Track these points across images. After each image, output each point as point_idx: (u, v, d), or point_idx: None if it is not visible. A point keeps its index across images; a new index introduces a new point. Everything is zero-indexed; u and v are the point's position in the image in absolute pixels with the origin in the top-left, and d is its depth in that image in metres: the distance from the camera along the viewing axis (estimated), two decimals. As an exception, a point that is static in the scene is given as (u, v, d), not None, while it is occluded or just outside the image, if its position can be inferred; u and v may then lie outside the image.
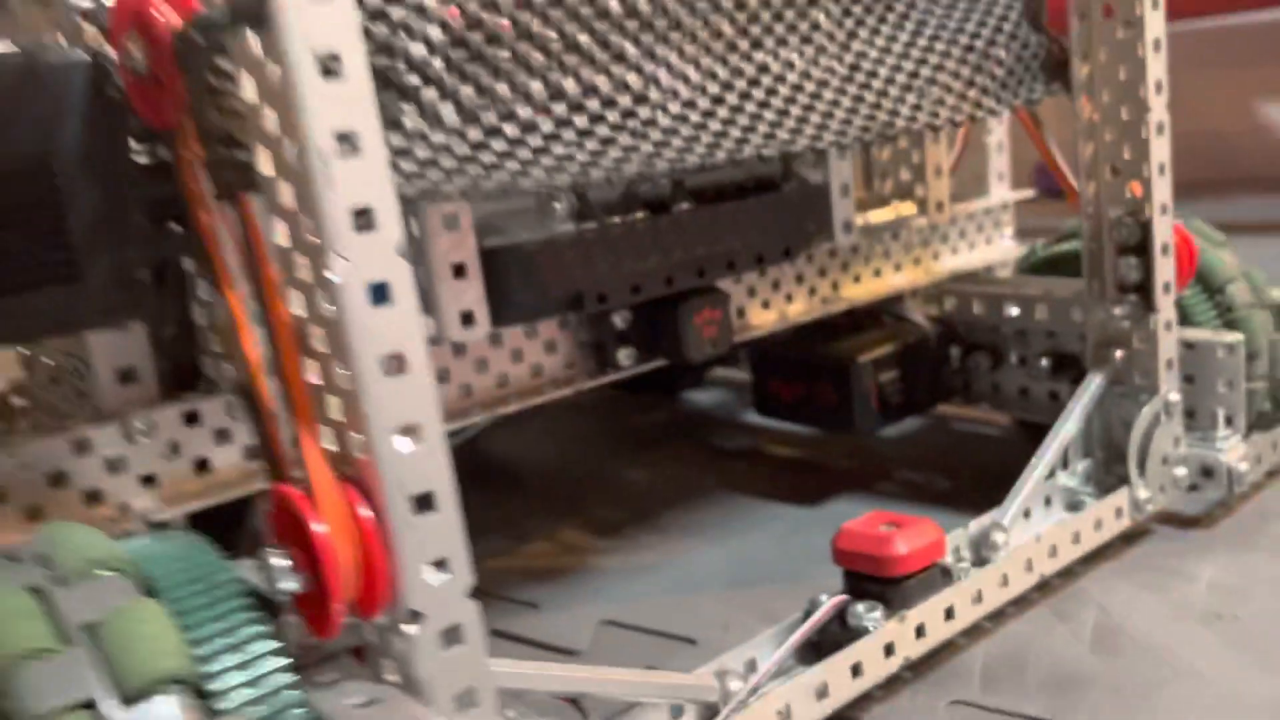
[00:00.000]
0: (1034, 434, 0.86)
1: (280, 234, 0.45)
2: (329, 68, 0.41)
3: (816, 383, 0.95)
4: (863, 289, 0.97)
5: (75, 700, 0.37)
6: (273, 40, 0.41)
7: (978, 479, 0.98)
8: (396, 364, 0.44)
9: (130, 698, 0.38)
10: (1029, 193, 1.10)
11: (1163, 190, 0.80)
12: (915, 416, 1.01)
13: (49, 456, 0.58)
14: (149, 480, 0.61)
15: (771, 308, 0.90)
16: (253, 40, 0.42)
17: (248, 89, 0.43)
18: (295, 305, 0.45)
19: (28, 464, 0.57)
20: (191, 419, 0.62)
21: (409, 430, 0.45)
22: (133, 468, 0.60)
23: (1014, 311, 0.95)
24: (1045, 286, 0.94)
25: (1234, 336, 0.84)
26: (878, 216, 0.97)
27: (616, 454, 1.14)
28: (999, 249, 1.08)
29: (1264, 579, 0.77)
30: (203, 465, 0.63)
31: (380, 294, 0.43)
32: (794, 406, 0.99)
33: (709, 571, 0.89)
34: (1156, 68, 0.78)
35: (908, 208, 1.00)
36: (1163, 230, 0.80)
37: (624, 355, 0.79)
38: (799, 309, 0.92)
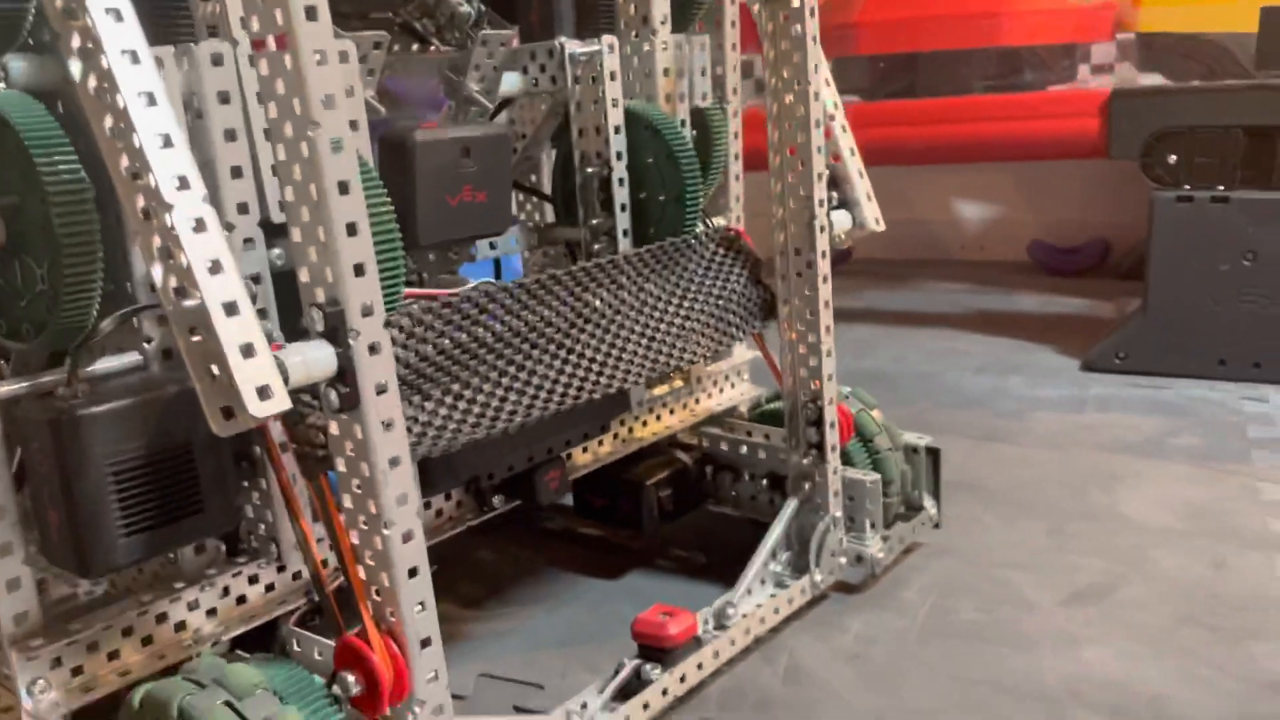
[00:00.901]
0: (759, 525, 1.34)
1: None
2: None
3: (618, 497, 1.40)
4: (648, 430, 1.41)
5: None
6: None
7: (723, 554, 1.46)
8: (411, 572, 0.84)
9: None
10: (756, 351, 1.58)
11: (831, 389, 1.28)
12: (683, 516, 1.47)
13: (154, 604, 0.93)
14: (211, 612, 0.97)
15: (589, 452, 1.33)
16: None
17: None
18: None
19: (144, 607, 0.92)
20: (236, 572, 0.98)
21: (421, 604, 0.84)
22: (203, 605, 0.96)
23: (745, 450, 1.42)
24: (766, 433, 1.41)
25: (875, 476, 1.34)
26: (659, 390, 1.42)
27: (472, 541, 1.53)
28: (739, 391, 1.56)
29: (889, 629, 1.27)
30: (241, 599, 0.99)
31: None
32: (602, 511, 1.42)
33: (548, 633, 1.31)
34: (826, 316, 1.26)
35: (677, 382, 1.46)
36: (830, 413, 1.28)
37: (498, 500, 1.19)
38: (607, 450, 1.36)
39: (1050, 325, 2.63)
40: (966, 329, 2.64)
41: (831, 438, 1.28)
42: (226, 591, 0.97)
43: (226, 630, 0.96)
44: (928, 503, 1.44)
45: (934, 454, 1.43)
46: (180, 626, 0.94)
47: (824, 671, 1.19)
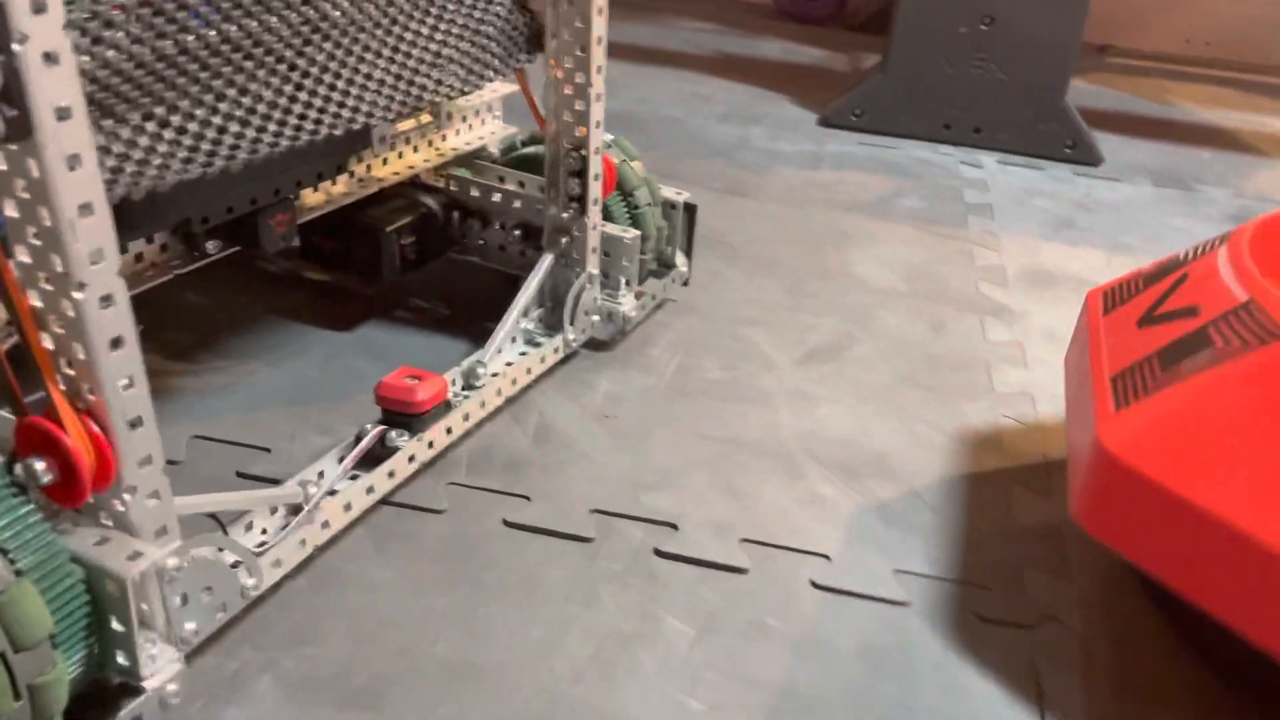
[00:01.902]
0: (506, 277, 1.26)
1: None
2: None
3: (353, 242, 1.26)
4: (388, 170, 1.26)
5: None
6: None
7: (467, 307, 1.37)
8: (114, 342, 0.69)
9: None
10: (513, 86, 1.44)
11: (597, 138, 1.18)
12: (425, 265, 1.35)
13: None
14: None
15: (320, 191, 1.17)
16: None
17: None
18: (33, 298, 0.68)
19: None
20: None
21: (128, 379, 0.71)
22: None
23: (497, 198, 1.31)
24: (520, 180, 1.31)
25: (634, 233, 1.28)
26: (404, 126, 1.26)
27: (177, 281, 1.35)
28: (490, 130, 1.42)
29: (637, 387, 1.26)
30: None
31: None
32: (333, 257, 1.28)
33: (272, 390, 1.19)
34: (599, 55, 1.14)
35: (425, 117, 1.30)
36: (595, 165, 1.20)
37: (212, 246, 1.03)
38: (341, 190, 1.20)
39: (791, 75, 2.62)
40: (711, 72, 2.58)
41: (594, 191, 1.20)
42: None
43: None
44: (680, 260, 1.41)
45: (690, 210, 1.39)
46: None
47: (573, 430, 1.16)
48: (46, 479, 0.70)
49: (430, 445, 1.05)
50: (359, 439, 1.00)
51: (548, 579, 0.95)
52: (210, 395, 1.17)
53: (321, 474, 0.97)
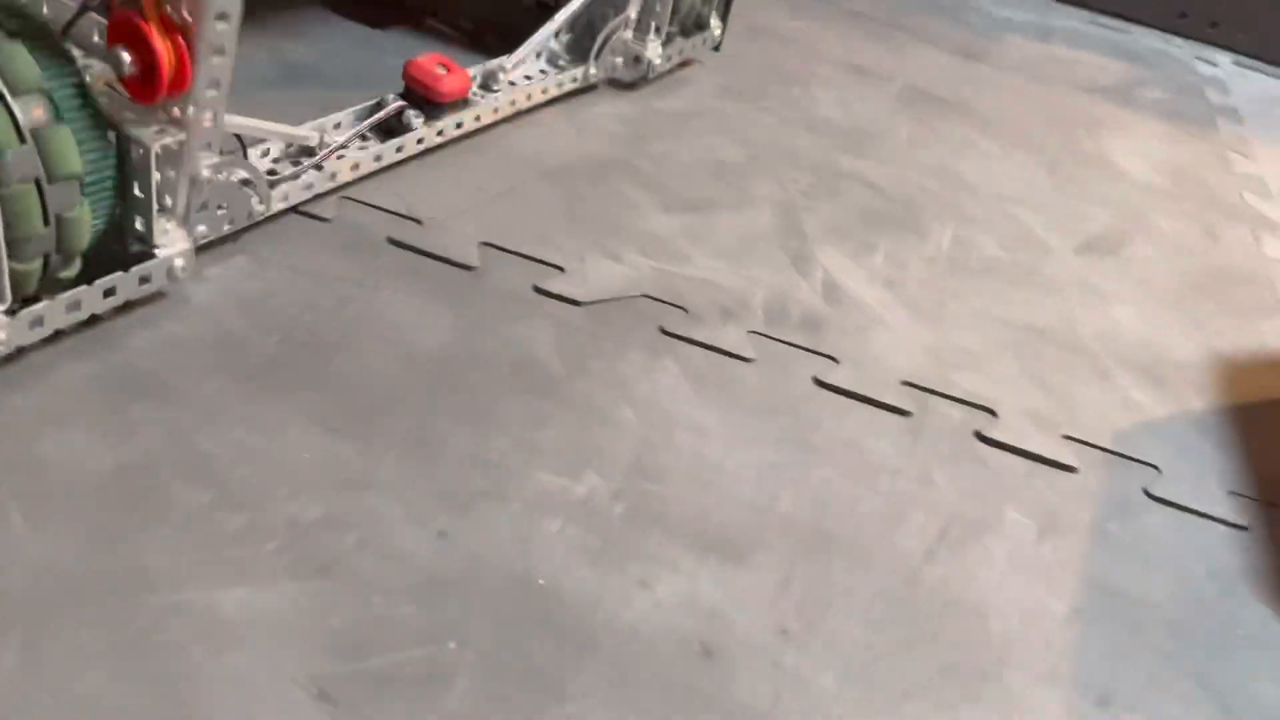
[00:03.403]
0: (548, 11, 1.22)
1: None
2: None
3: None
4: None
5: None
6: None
7: (503, 34, 1.35)
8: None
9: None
10: None
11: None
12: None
13: None
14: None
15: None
16: None
17: None
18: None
19: None
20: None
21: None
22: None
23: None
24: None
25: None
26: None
27: None
28: None
29: (656, 110, 1.25)
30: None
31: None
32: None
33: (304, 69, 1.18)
34: None
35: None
36: None
37: None
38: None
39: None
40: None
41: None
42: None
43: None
44: (714, 23, 1.39)
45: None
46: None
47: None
48: (129, 70, 0.73)
49: (440, 134, 1.07)
50: (379, 106, 1.02)
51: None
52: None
53: (339, 125, 1.01)
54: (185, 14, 0.73)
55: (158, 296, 0.84)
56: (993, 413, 0.96)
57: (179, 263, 0.83)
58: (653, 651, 0.68)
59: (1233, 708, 0.74)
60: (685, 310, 0.99)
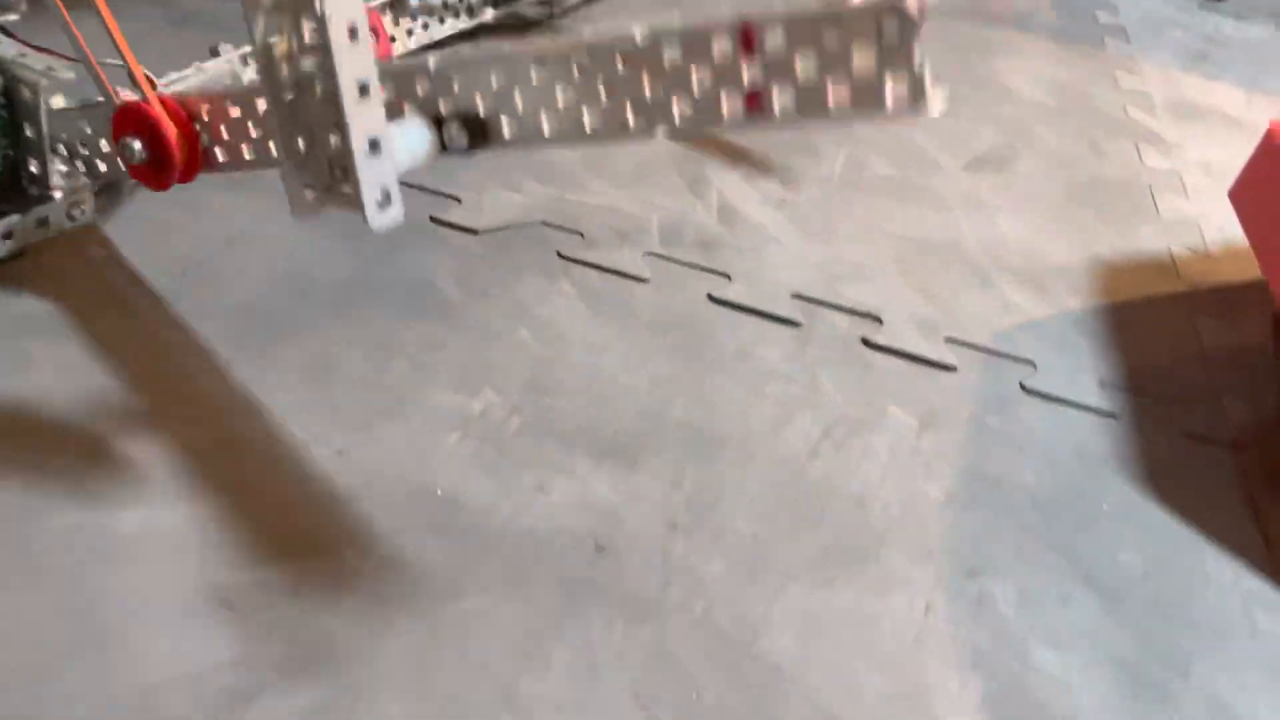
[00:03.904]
0: None
1: None
2: None
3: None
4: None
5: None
6: None
7: None
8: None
9: None
10: None
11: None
12: None
13: None
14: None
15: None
16: None
17: None
18: None
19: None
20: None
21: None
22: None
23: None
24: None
25: None
26: None
27: None
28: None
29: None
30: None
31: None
32: None
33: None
34: None
35: None
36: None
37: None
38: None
39: None
40: None
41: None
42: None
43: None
44: None
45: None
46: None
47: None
48: (140, 158, 0.73)
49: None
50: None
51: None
52: None
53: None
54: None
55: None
56: (878, 320, 1.01)
57: (82, 207, 0.82)
58: (548, 550, 0.72)
59: (1094, 574, 0.80)
60: (582, 235, 1.02)
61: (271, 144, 0.68)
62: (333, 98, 0.56)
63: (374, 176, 0.58)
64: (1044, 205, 1.26)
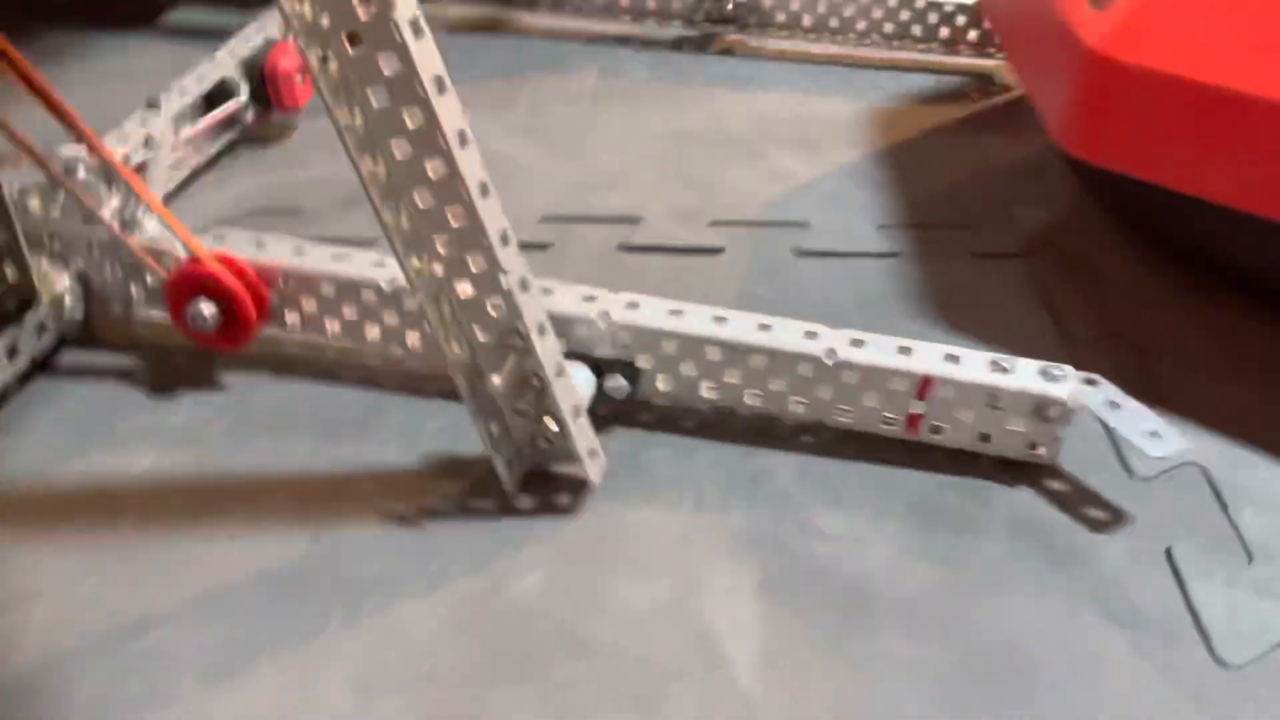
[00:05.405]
0: None
1: None
2: None
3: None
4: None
5: None
6: None
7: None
8: None
9: None
10: None
11: None
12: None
13: None
14: None
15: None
16: None
17: None
18: None
19: None
20: None
21: None
22: None
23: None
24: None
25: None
26: None
27: None
28: None
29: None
30: None
31: None
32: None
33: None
34: None
35: None
36: None
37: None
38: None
39: None
40: None
41: None
42: None
43: None
44: None
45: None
46: None
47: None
48: (212, 324, 0.70)
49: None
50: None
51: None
52: None
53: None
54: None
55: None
56: (635, 221, 0.93)
57: (70, 302, 0.76)
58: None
59: (885, 421, 0.73)
60: (299, 212, 0.93)
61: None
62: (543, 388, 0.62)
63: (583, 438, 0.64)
64: (809, 70, 1.19)
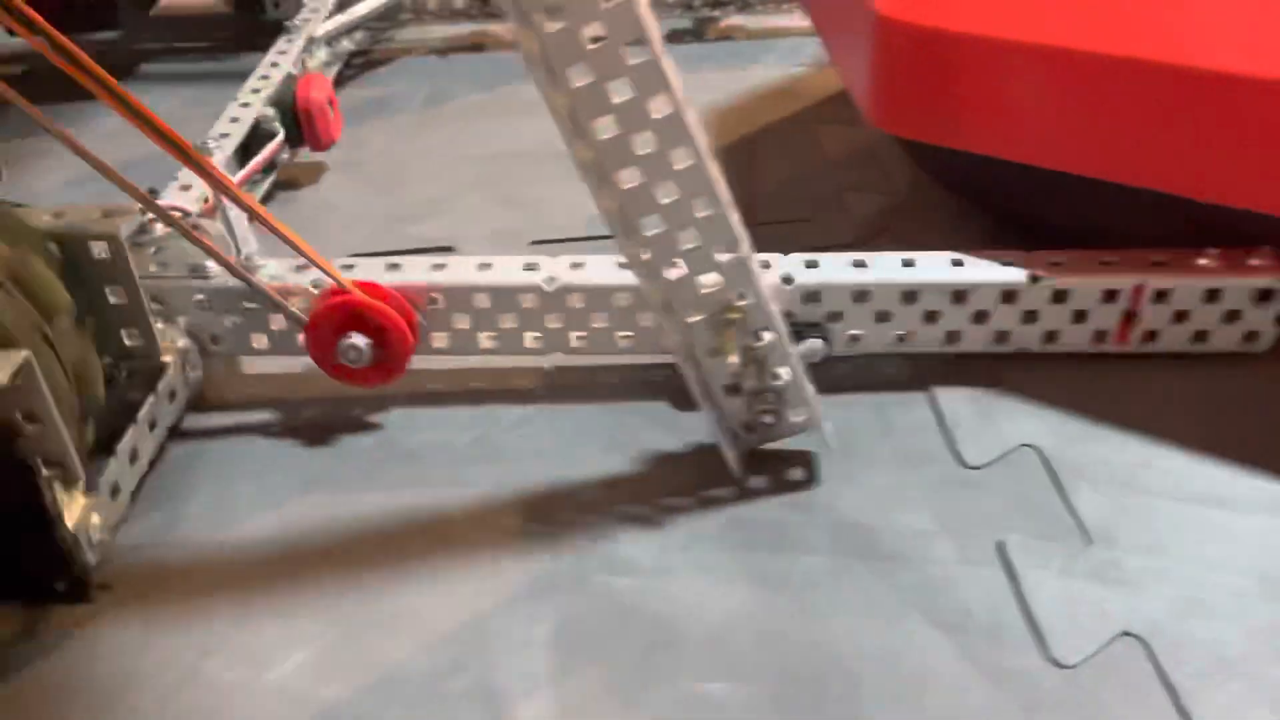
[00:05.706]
0: None
1: None
2: None
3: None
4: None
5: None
6: None
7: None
8: None
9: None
10: None
11: None
12: None
13: None
14: None
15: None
16: None
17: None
18: None
19: None
20: None
21: None
22: None
23: None
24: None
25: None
26: None
27: None
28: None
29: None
30: None
31: None
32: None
33: None
34: None
35: None
36: None
37: None
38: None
39: None
40: None
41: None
42: None
43: None
44: None
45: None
46: None
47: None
48: (367, 359, 0.64)
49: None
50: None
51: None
52: None
53: None
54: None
55: None
56: (450, 249, 0.87)
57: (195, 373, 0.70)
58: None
59: (687, 425, 0.68)
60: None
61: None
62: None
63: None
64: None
